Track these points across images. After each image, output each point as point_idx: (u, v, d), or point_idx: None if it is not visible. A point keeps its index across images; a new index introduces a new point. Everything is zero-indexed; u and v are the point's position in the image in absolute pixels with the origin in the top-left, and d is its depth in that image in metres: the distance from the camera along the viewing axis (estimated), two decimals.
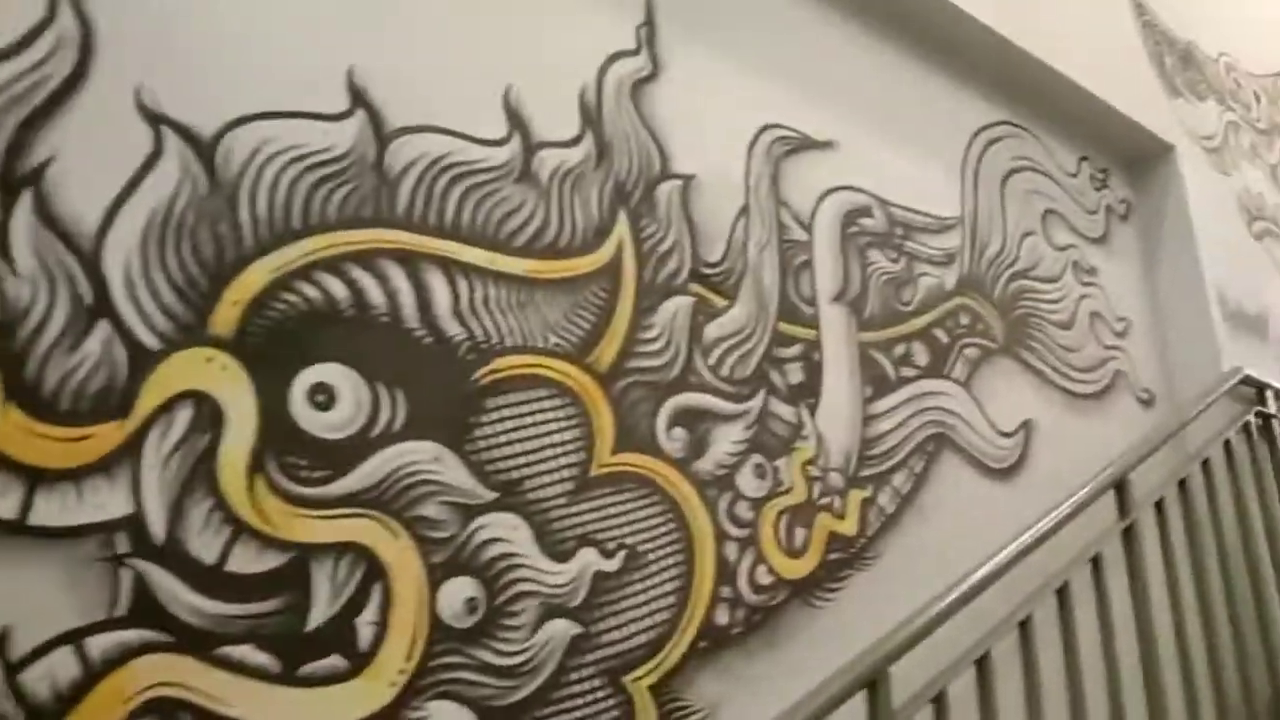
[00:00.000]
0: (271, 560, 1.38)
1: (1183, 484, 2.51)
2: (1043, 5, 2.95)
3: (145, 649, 1.26)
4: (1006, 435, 2.51)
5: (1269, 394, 2.95)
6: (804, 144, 2.30)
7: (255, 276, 1.46)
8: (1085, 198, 3.10)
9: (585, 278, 1.82)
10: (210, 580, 1.33)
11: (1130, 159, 3.30)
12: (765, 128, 2.23)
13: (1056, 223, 2.95)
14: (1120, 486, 2.31)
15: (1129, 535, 2.27)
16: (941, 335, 2.44)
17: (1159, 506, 2.38)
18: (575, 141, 1.89)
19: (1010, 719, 1.84)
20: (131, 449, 1.31)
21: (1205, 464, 2.63)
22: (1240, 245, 3.42)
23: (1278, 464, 2.91)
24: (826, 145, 2.35)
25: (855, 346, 2.22)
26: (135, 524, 1.29)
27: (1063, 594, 2.05)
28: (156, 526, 1.30)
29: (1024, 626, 1.94)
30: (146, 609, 1.27)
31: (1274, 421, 2.93)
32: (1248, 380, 2.92)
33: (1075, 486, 2.23)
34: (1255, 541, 2.67)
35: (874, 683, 1.66)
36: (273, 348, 1.45)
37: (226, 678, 1.31)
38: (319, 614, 1.40)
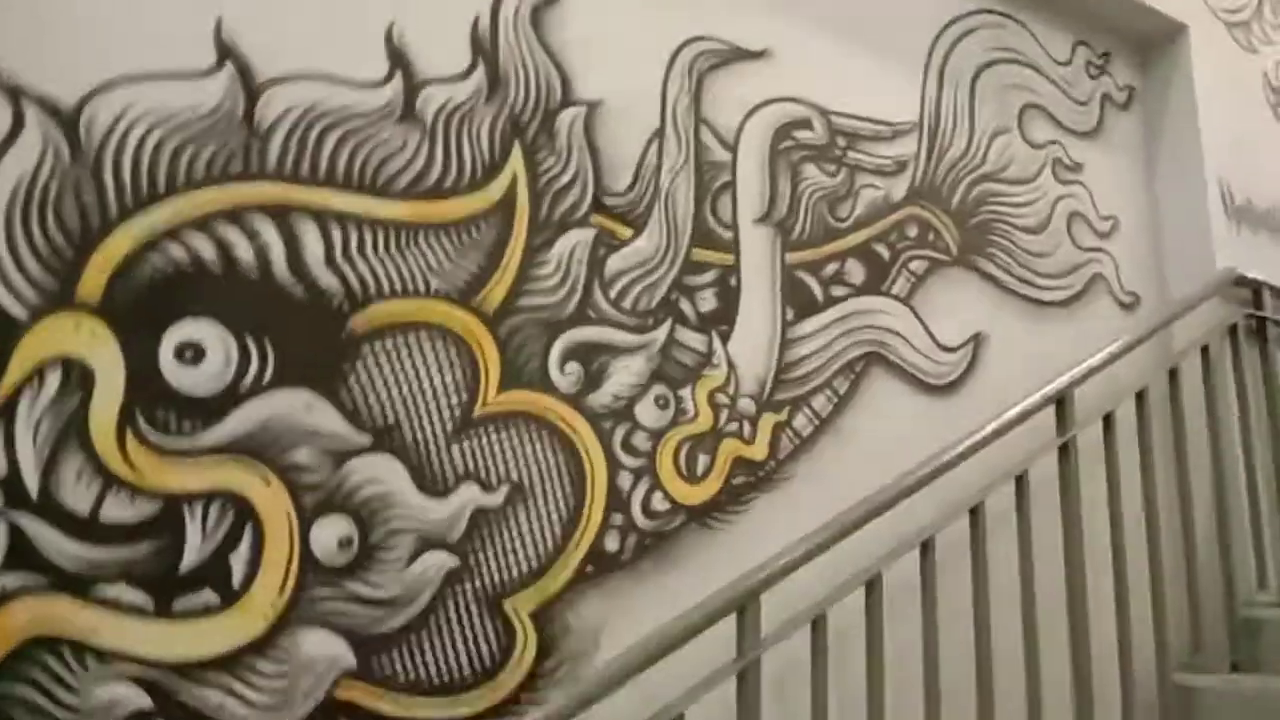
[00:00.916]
0: (144, 508, 1.50)
1: (1141, 396, 2.43)
2: None
3: (22, 592, 1.41)
4: (950, 350, 2.45)
5: (1265, 294, 2.79)
6: (732, 56, 2.22)
7: (120, 243, 1.54)
8: (1076, 88, 2.90)
9: (473, 218, 1.85)
10: (84, 528, 1.46)
11: (1136, 41, 3.05)
12: (687, 42, 2.16)
13: (1037, 118, 2.78)
14: (1061, 401, 2.26)
15: (1065, 454, 2.23)
16: (883, 250, 2.37)
17: (1107, 421, 2.33)
18: (464, 75, 1.88)
19: (909, 644, 1.90)
20: (4, 413, 1.43)
21: (1173, 374, 2.54)
22: (1260, 133, 3.14)
23: (1269, 372, 2.78)
24: (759, 55, 2.26)
25: (779, 268, 2.19)
26: (10, 481, 1.42)
27: (975, 514, 2.05)
28: (31, 482, 1.44)
29: (925, 548, 1.96)
30: (23, 557, 1.42)
31: (1268, 324, 2.78)
32: (1242, 280, 2.77)
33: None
34: (1226, 458, 2.58)
35: (743, 608, 1.73)
36: (140, 310, 1.54)
37: (102, 614, 1.46)
38: (191, 555, 1.53)
